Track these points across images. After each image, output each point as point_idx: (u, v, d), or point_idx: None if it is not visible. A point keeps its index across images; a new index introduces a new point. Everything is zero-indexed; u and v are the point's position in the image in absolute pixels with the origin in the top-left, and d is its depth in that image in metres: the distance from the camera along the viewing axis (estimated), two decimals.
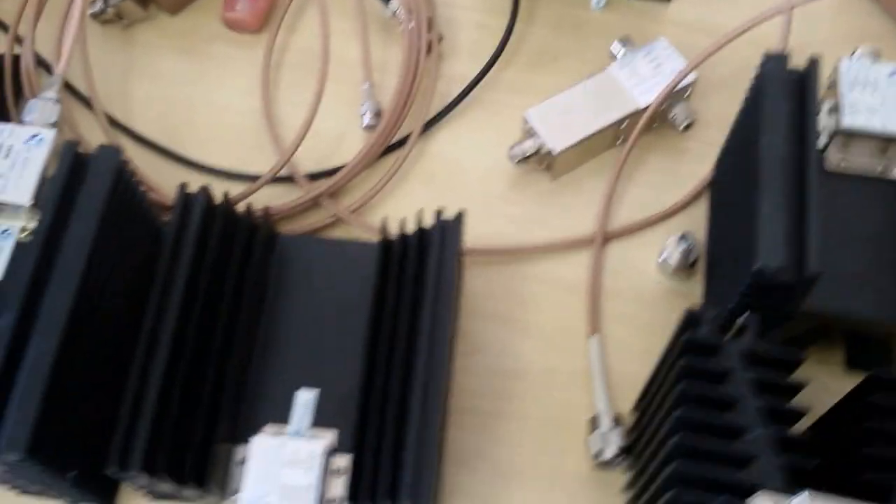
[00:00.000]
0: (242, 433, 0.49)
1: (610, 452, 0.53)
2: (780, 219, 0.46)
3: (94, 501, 0.51)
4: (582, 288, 0.60)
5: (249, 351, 0.52)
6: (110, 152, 0.49)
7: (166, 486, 0.46)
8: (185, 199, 0.51)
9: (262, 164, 0.64)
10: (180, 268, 0.49)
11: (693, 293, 0.60)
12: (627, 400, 0.55)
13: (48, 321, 0.44)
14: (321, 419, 0.50)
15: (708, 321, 0.41)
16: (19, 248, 0.48)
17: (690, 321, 0.42)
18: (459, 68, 0.68)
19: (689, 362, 0.40)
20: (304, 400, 0.50)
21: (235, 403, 0.50)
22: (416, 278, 0.50)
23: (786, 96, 0.48)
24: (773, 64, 0.49)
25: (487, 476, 0.54)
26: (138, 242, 0.53)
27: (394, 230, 0.54)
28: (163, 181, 0.63)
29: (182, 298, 0.48)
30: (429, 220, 0.53)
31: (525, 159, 0.61)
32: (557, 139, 0.60)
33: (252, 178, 0.63)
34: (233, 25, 0.70)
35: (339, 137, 0.66)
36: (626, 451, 0.53)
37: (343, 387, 0.51)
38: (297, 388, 0.51)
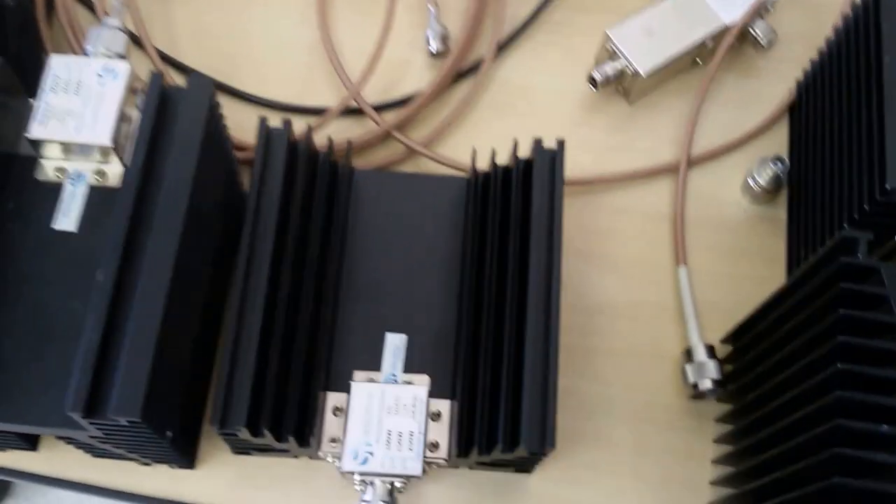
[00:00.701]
0: (333, 382, 0.48)
1: (707, 384, 0.52)
2: None
3: (179, 461, 0.51)
4: (664, 217, 0.58)
5: (336, 295, 0.50)
6: (203, 83, 0.46)
7: (263, 441, 0.45)
8: (268, 136, 0.48)
9: (324, 96, 0.61)
10: (268, 211, 0.47)
11: (778, 217, 0.58)
12: (715, 330, 0.54)
13: (154, 276, 0.42)
14: (410, 364, 0.48)
15: (864, 243, 0.39)
16: (96, 192, 0.46)
17: (846, 245, 0.40)
18: None
19: (848, 286, 0.39)
20: (395, 344, 0.49)
21: (328, 351, 0.49)
22: (522, 212, 0.47)
23: None
24: None
25: (579, 413, 0.53)
26: (222, 183, 0.51)
27: (481, 162, 0.52)
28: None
29: (273, 245, 0.46)
30: (523, 150, 0.50)
31: (606, 83, 0.59)
32: (643, 60, 0.57)
33: (315, 112, 0.60)
34: None
35: (403, 65, 0.63)
36: (721, 383, 0.52)
37: (431, 329, 0.49)
38: (383, 332, 0.49)
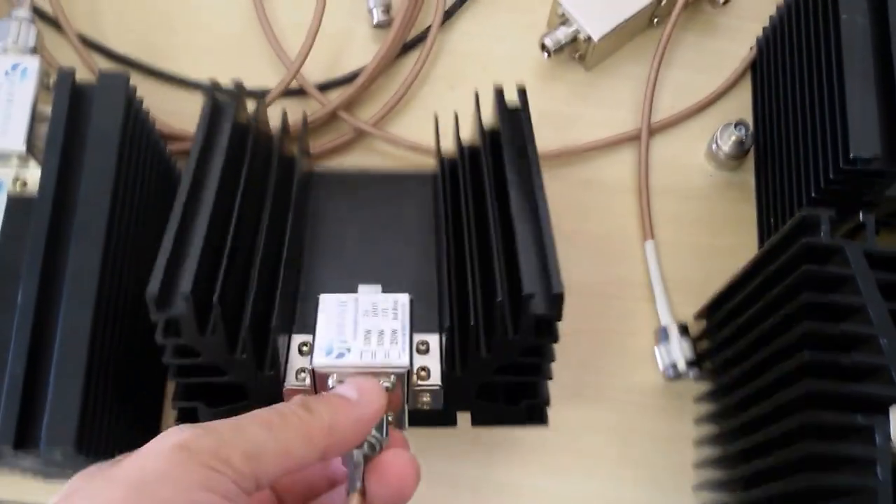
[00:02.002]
0: (299, 325, 0.41)
1: (681, 365, 0.50)
2: (870, 103, 0.42)
3: None
4: (628, 189, 0.56)
5: (298, 259, 0.45)
6: (116, 80, 0.42)
7: (216, 352, 0.37)
8: (214, 105, 0.44)
9: (263, 75, 0.57)
10: (208, 185, 0.40)
11: (746, 182, 0.56)
12: (688, 304, 0.53)
13: (78, 290, 0.39)
14: None
15: (826, 222, 0.38)
16: (14, 202, 0.42)
17: (807, 224, 0.38)
18: None
19: (811, 268, 0.37)
20: (368, 293, 0.42)
21: (292, 298, 0.43)
22: (495, 171, 0.43)
23: None
24: None
25: (559, 399, 0.51)
26: (153, 182, 0.47)
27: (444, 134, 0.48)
28: (153, 106, 0.56)
29: (216, 193, 0.40)
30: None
31: (559, 49, 0.55)
32: (596, 24, 0.54)
33: (255, 95, 0.56)
34: None
35: (345, 38, 0.59)
36: (696, 363, 0.50)
37: (406, 285, 0.42)
38: (355, 286, 0.42)
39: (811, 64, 0.48)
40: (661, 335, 0.51)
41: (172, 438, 0.28)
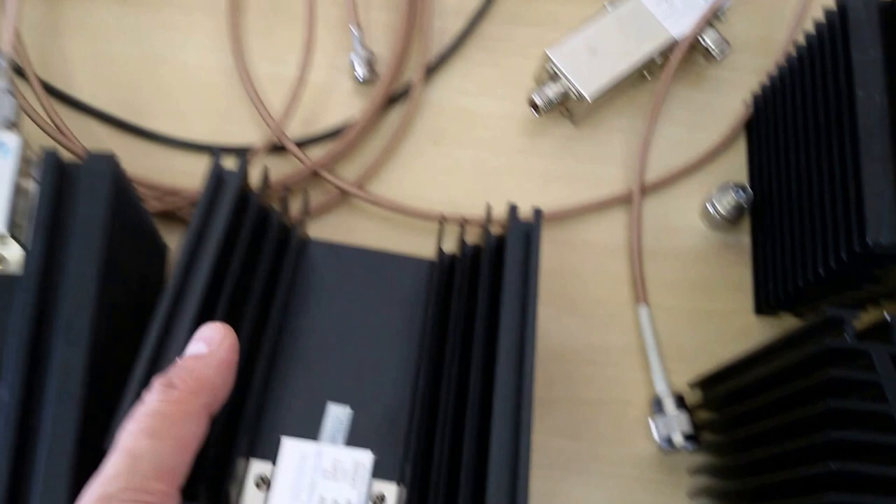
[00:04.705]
0: (260, 449, 0.41)
1: (679, 438, 0.48)
2: (888, 186, 0.40)
3: None
4: (620, 250, 0.54)
5: (273, 358, 0.44)
6: (104, 163, 0.40)
7: None
8: (218, 178, 0.42)
9: (244, 130, 0.55)
10: (204, 257, 0.40)
11: (742, 243, 0.54)
12: (682, 373, 0.51)
13: (64, 385, 0.37)
14: (352, 439, 0.42)
15: (850, 326, 0.36)
16: None
17: (831, 323, 0.36)
18: (453, 1, 0.59)
19: (837, 373, 0.35)
20: (337, 416, 0.43)
21: (256, 417, 0.42)
22: (491, 288, 0.42)
23: (878, 36, 0.42)
24: None
25: (543, 471, 0.49)
26: (142, 259, 0.45)
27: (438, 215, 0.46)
28: (130, 163, 0.53)
29: (203, 293, 0.39)
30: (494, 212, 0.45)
31: (548, 107, 0.54)
32: (588, 82, 0.52)
33: (237, 151, 0.54)
34: None
35: (327, 92, 0.57)
36: (693, 437, 0.48)
37: (380, 405, 0.43)
38: (324, 401, 0.43)
39: (819, 135, 0.46)
40: (657, 406, 0.49)
41: (92, 493, 0.29)
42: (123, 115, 0.55)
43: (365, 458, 0.40)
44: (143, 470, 0.30)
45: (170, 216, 0.52)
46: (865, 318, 0.38)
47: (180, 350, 0.36)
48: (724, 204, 0.52)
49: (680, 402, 0.49)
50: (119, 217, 0.40)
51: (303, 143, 0.54)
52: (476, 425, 0.39)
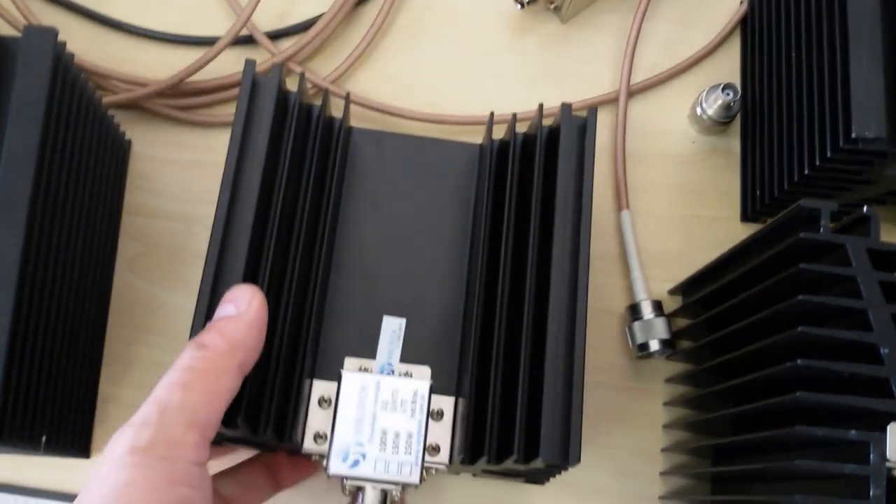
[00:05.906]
0: (321, 369, 0.40)
1: (655, 345, 0.47)
2: (877, 80, 0.38)
3: (69, 453, 0.44)
4: (604, 152, 0.52)
5: (326, 273, 0.42)
6: (42, 36, 0.37)
7: (235, 432, 0.37)
8: (253, 84, 0.40)
9: (211, 21, 0.52)
10: (251, 176, 0.39)
11: (731, 148, 0.52)
12: (663, 280, 0.50)
13: None
14: (407, 353, 0.41)
15: (826, 216, 0.34)
16: None
17: (804, 215, 0.35)
18: None
19: (808, 267, 0.33)
20: (392, 329, 0.41)
21: (316, 334, 0.41)
22: (544, 190, 0.40)
23: None
24: None
25: None
26: (97, 151, 0.43)
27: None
28: (96, 53, 0.51)
29: (254, 215, 0.38)
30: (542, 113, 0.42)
31: (533, 1, 0.51)
32: None
33: (203, 43, 0.51)
34: None
35: None
36: (670, 343, 0.47)
37: (434, 315, 0.42)
38: (379, 315, 0.41)
39: (811, 31, 0.44)
40: (634, 311, 0.48)
41: (122, 444, 0.30)
42: (87, 3, 0.52)
43: (422, 385, 0.39)
44: (173, 420, 0.30)
45: (134, 107, 0.50)
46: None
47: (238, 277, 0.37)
48: (712, 104, 0.50)
49: (658, 307, 0.48)
50: (63, 98, 0.38)
51: (275, 37, 0.52)
52: (531, 332, 0.38)
